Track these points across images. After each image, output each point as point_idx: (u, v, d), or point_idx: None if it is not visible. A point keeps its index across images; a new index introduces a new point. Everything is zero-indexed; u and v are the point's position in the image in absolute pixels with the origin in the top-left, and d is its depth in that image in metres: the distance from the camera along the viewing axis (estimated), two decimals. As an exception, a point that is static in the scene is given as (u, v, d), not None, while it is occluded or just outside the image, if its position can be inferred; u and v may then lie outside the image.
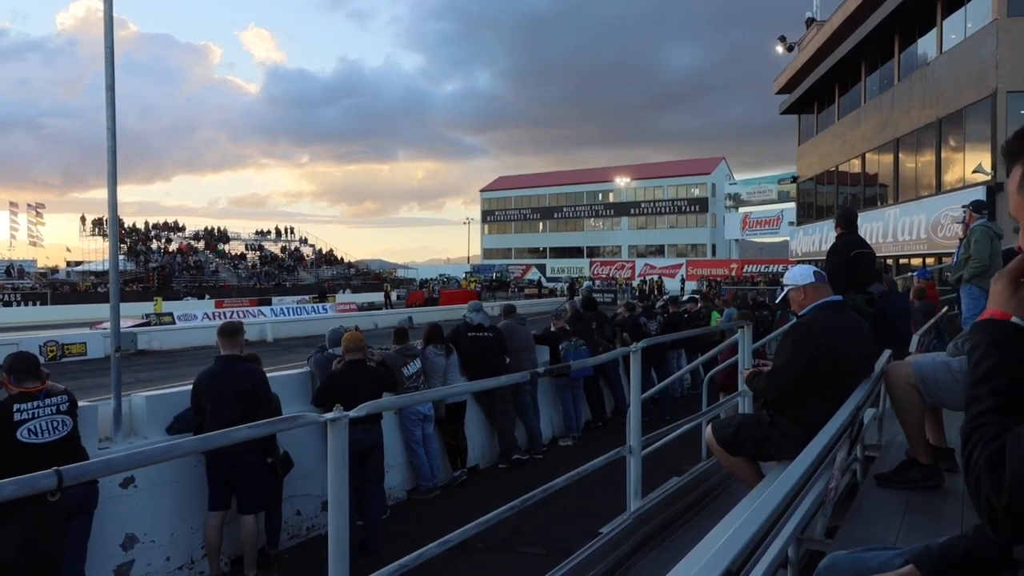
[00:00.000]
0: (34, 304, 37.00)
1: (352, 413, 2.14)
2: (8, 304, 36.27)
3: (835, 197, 27.01)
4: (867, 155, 23.53)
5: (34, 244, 50.29)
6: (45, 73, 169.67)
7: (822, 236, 25.81)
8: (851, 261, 5.67)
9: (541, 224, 76.27)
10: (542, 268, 69.86)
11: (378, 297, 41.67)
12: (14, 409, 3.73)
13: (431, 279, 54.72)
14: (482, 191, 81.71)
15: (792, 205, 39.64)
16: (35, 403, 3.79)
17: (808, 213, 30.78)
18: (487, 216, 79.67)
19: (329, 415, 2.11)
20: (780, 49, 30.30)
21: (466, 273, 61.04)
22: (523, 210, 77.26)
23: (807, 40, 28.07)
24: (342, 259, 60.87)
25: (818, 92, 27.80)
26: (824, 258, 6.39)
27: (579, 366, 6.37)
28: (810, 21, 28.67)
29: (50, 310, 34.95)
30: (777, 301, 3.80)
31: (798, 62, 28.43)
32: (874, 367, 3.42)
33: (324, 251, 60.82)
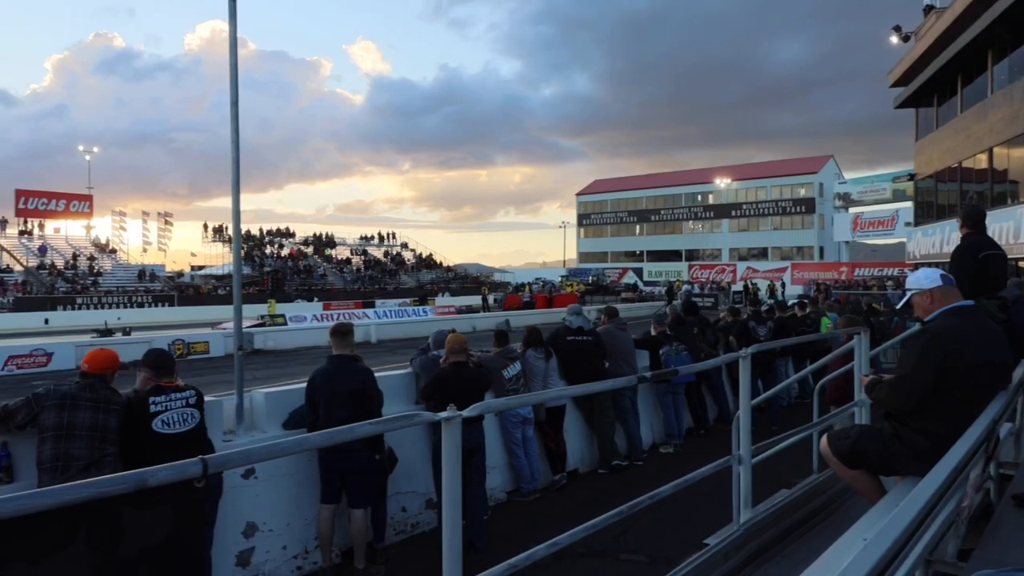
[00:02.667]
0: (163, 305, 40.20)
1: (465, 413, 2.19)
2: (141, 305, 39.65)
3: (958, 195, 25.14)
4: (995, 149, 21.76)
5: (163, 250, 54.56)
6: (174, 91, 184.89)
7: (943, 237, 24.09)
8: (981, 263, 5.27)
9: (638, 227, 75.22)
10: (639, 272, 68.86)
11: (476, 300, 42.34)
12: (150, 401, 4.06)
13: (528, 283, 55.08)
14: (578, 195, 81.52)
15: (909, 204, 37.26)
16: (168, 396, 4.11)
17: (927, 213, 28.78)
18: (583, 220, 79.41)
19: (443, 414, 2.15)
20: (895, 39, 28.49)
21: (562, 277, 61.00)
22: (619, 213, 76.49)
23: (925, 29, 26.29)
24: (441, 263, 62.36)
25: (938, 83, 25.98)
26: (947, 261, 5.96)
27: (686, 371, 6.23)
28: (928, 8, 26.83)
29: (177, 311, 37.82)
30: (899, 306, 3.58)
31: (915, 52, 26.66)
32: (1011, 377, 3.17)
33: (424, 255, 62.52)
